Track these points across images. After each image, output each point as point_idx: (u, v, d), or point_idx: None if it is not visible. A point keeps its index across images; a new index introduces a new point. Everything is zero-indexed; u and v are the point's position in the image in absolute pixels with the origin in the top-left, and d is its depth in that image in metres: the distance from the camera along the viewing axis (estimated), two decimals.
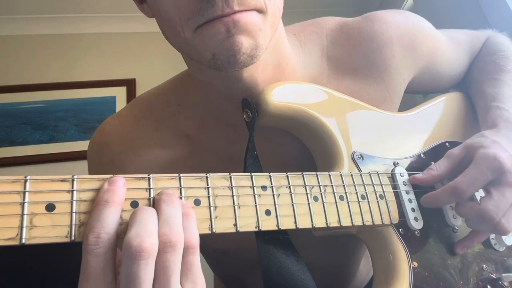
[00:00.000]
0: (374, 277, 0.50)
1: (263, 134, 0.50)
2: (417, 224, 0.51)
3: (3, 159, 1.86)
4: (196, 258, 0.33)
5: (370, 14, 0.60)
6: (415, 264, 0.48)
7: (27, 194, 0.30)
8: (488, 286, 0.53)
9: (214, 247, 0.56)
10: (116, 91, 2.06)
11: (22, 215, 0.30)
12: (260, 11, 0.41)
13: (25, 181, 0.31)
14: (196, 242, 0.33)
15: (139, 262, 0.29)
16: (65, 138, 1.95)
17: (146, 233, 0.30)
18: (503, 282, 0.54)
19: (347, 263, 0.67)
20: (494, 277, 0.54)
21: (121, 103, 2.03)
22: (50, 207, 0.31)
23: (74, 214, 0.31)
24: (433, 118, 0.64)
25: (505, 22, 1.28)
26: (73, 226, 0.31)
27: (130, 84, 2.06)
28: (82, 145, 1.92)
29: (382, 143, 0.55)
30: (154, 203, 0.34)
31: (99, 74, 2.06)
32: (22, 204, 0.30)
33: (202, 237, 0.35)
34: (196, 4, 0.39)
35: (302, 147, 0.54)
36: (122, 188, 0.33)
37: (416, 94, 0.69)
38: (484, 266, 0.54)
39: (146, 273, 0.29)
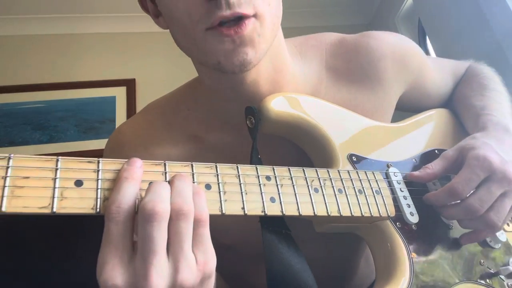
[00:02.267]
0: (376, 272, 0.52)
1: (264, 143, 0.54)
2: (413, 218, 0.53)
3: None
4: (207, 231, 0.36)
5: (366, 32, 0.67)
6: (414, 255, 0.50)
7: (58, 171, 0.34)
8: (487, 280, 0.54)
9: (220, 242, 0.58)
10: (116, 91, 2.06)
11: (54, 188, 0.33)
12: (257, 17, 0.47)
13: (57, 160, 0.34)
14: (206, 216, 0.36)
15: (152, 223, 0.32)
16: (65, 138, 1.95)
17: (159, 199, 0.34)
18: (501, 275, 0.55)
19: (346, 260, 0.70)
20: (492, 271, 0.55)
21: (121, 103, 2.03)
22: (79, 183, 0.34)
23: (99, 190, 0.35)
24: (423, 129, 0.68)
25: (505, 22, 1.28)
26: (99, 200, 0.35)
27: (130, 84, 2.06)
28: (81, 145, 1.93)
29: (375, 148, 0.59)
30: (169, 183, 0.37)
31: (99, 74, 2.06)
32: (54, 180, 0.33)
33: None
34: (203, 7, 0.45)
35: (301, 156, 0.57)
36: (140, 169, 0.37)
37: (406, 111, 0.74)
38: (482, 261, 0.56)
39: (160, 234, 0.33)
